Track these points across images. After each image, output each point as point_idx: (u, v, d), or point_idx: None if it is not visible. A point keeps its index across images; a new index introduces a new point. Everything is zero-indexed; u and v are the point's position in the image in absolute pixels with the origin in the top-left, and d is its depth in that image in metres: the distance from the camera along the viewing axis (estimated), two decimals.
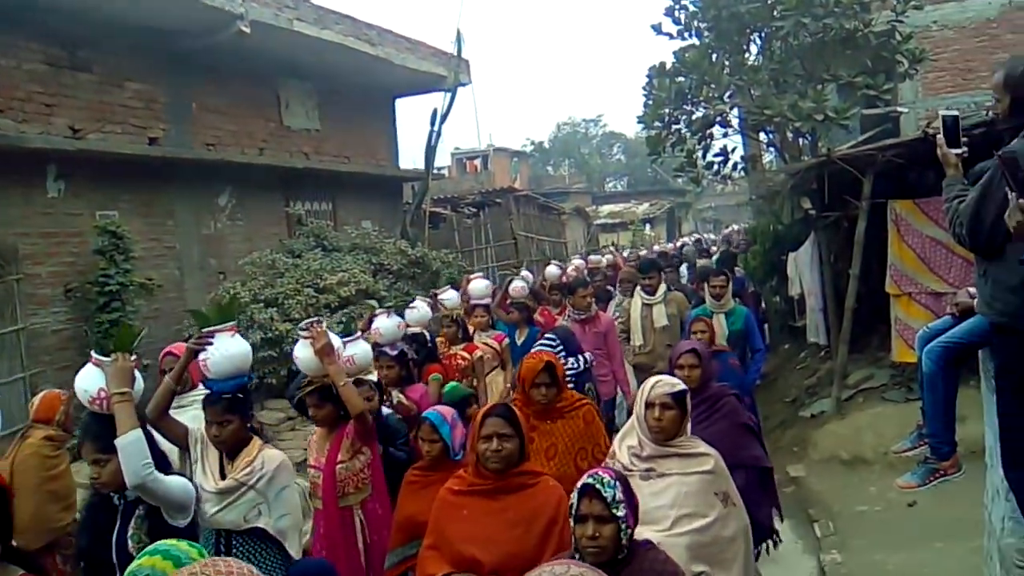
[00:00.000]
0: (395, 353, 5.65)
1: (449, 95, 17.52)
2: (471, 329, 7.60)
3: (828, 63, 10.04)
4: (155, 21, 10.78)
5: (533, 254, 23.16)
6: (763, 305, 12.94)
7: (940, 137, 3.49)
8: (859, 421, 8.08)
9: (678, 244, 25.31)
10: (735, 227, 28.36)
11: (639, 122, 11.15)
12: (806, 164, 9.27)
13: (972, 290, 4.08)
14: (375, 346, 5.67)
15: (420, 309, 7.31)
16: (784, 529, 6.49)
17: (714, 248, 19.26)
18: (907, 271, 8.07)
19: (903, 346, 7.77)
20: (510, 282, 9.32)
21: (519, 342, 7.53)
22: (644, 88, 10.79)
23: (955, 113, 3.52)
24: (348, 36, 13.81)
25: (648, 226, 39.78)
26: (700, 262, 14.02)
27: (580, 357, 6.16)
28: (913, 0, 10.24)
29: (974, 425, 3.99)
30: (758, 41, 10.87)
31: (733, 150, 11.80)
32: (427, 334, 6.88)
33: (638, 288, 7.94)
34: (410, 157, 25.79)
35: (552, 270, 10.81)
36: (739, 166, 12.12)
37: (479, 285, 8.48)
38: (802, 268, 10.70)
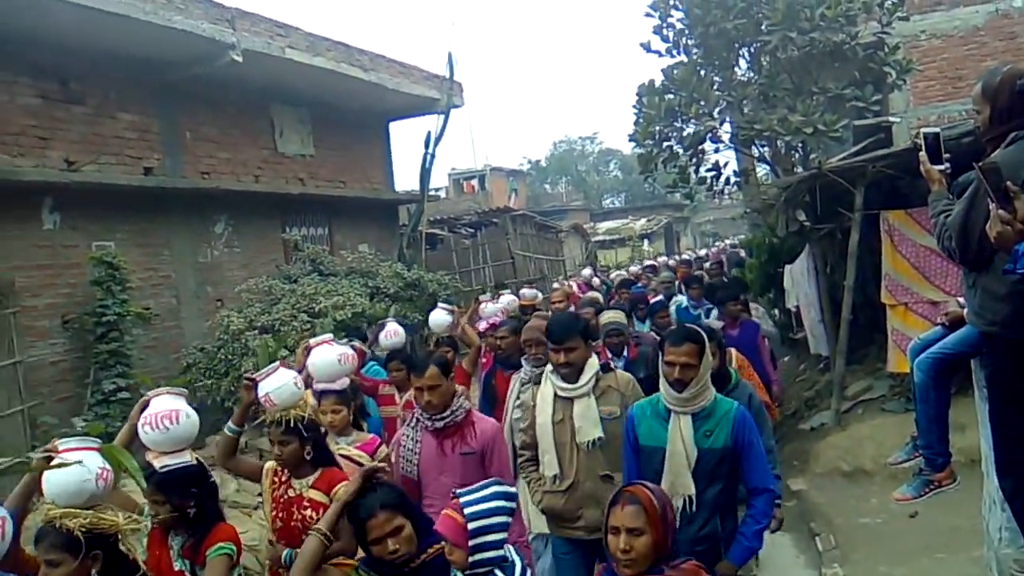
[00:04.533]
0: (339, 390, 4.73)
1: (443, 117, 17.59)
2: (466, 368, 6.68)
3: (816, 76, 10.07)
4: (147, 52, 10.83)
5: (531, 273, 23.18)
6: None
7: (923, 154, 3.51)
8: (859, 433, 8.07)
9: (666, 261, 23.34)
10: (727, 242, 28.28)
11: (630, 140, 11.16)
12: (798, 177, 9.30)
13: (962, 300, 4.09)
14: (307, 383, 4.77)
15: (393, 334, 6.93)
16: (785, 543, 6.52)
17: (701, 268, 16.37)
18: (902, 281, 8.08)
19: (900, 356, 7.76)
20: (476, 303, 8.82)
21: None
22: (634, 106, 10.82)
23: (936, 130, 3.55)
24: (341, 62, 13.87)
25: (647, 241, 39.85)
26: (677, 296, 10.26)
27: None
28: (898, 12, 10.29)
29: (973, 434, 3.98)
30: (746, 56, 10.90)
31: (726, 165, 11.82)
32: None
33: (548, 368, 4.35)
34: (406, 180, 25.86)
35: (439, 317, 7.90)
36: (732, 181, 12.14)
37: (439, 317, 7.78)
38: (798, 280, 10.72)
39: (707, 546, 3.57)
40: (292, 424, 3.74)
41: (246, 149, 13.52)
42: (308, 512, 3.70)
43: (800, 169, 10.39)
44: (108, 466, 2.86)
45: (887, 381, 8.61)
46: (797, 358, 12.31)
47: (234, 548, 3.31)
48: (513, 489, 2.93)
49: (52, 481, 2.81)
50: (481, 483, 2.92)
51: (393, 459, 4.31)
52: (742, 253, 18.45)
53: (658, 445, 3.65)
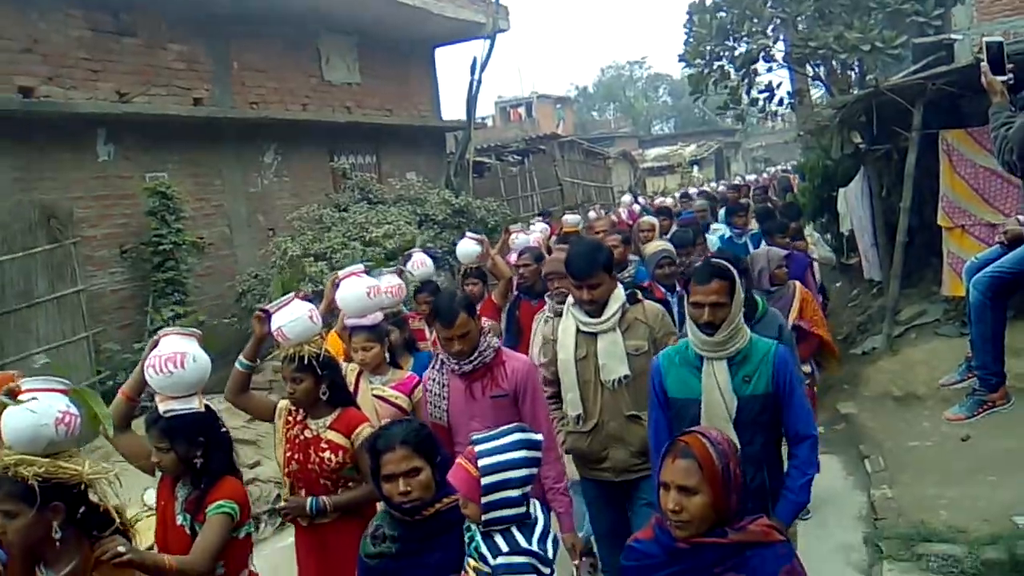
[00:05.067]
0: (370, 325, 4.35)
1: (489, 42, 17.35)
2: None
3: None
4: None
5: (579, 199, 23.06)
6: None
7: (984, 64, 3.39)
8: (911, 357, 7.99)
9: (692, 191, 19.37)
10: (779, 167, 27.17)
11: (680, 60, 10.94)
12: (854, 97, 9.03)
13: (1022, 218, 3.99)
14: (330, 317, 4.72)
15: (422, 265, 6.42)
16: (834, 466, 6.54)
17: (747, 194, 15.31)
18: (960, 203, 7.88)
19: (955, 280, 7.60)
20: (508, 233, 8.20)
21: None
22: (685, 26, 10.56)
23: (999, 39, 3.43)
24: None
25: (696, 168, 39.20)
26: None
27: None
28: None
29: None
30: None
31: (779, 85, 11.54)
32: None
33: (569, 300, 4.05)
34: (452, 108, 25.71)
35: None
36: (785, 101, 11.85)
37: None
38: (852, 204, 10.50)
39: (755, 503, 3.11)
40: (306, 361, 3.54)
41: (293, 78, 13.53)
42: (326, 454, 3.53)
43: (856, 89, 10.10)
44: (73, 410, 2.55)
45: (941, 305, 8.47)
46: (850, 283, 12.14)
47: (236, 507, 3.07)
48: (538, 437, 2.60)
49: (7, 426, 2.51)
50: (501, 429, 2.60)
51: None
52: (792, 178, 17.97)
53: (692, 397, 3.25)
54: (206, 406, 3.28)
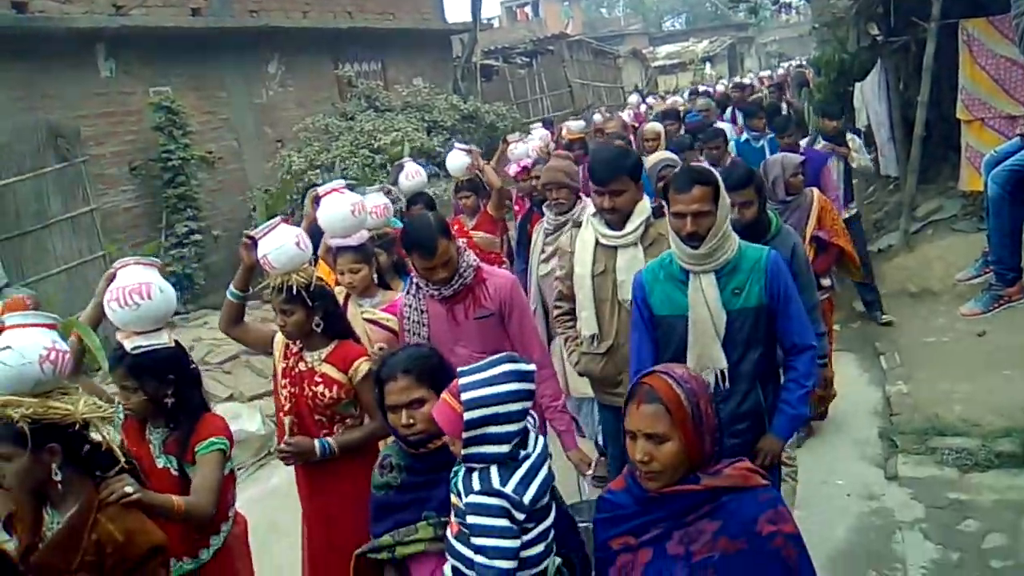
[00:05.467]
0: (355, 245, 4.11)
1: None
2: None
3: None
4: None
5: (589, 100, 22.67)
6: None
7: None
8: (928, 253, 7.94)
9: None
10: (794, 62, 26.25)
11: None
12: None
13: None
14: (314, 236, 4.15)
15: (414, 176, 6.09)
16: (849, 362, 6.60)
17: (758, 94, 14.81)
18: (980, 95, 7.68)
19: (973, 174, 7.47)
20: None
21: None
22: None
23: None
24: None
25: (708, 65, 38.29)
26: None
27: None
28: None
29: None
30: None
31: None
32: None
33: (587, 207, 4.20)
34: (457, 10, 25.04)
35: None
36: None
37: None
38: (869, 98, 10.28)
39: (749, 423, 3.07)
40: (295, 291, 3.28)
41: None
42: (320, 388, 3.34)
43: None
44: (61, 346, 2.39)
45: (959, 200, 8.37)
46: (866, 180, 11.98)
47: (227, 442, 2.94)
48: (530, 367, 2.32)
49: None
50: (488, 360, 2.32)
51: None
52: (808, 73, 17.45)
53: (677, 314, 3.04)
54: (175, 341, 3.07)
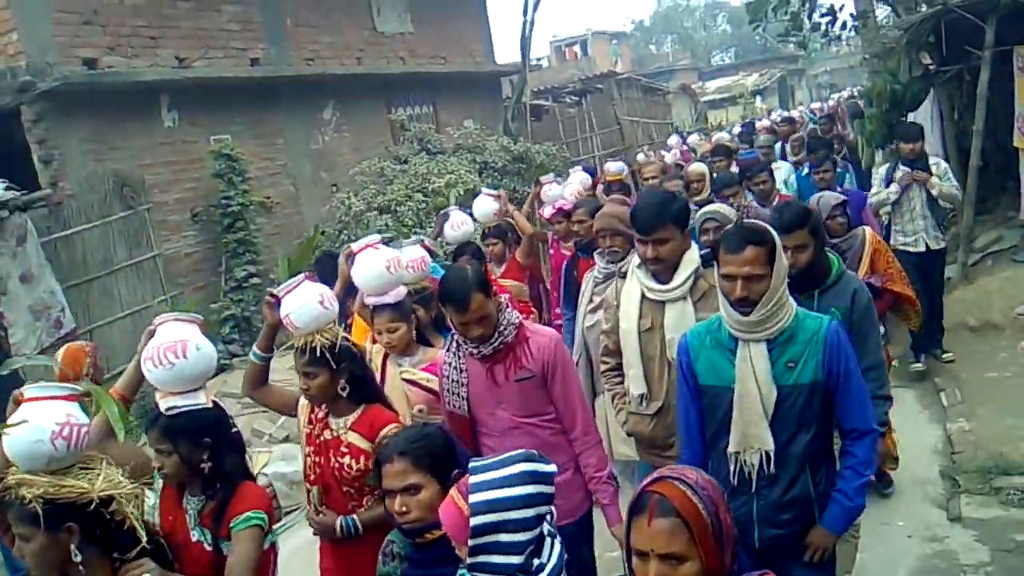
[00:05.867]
0: (393, 303, 3.84)
1: None
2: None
3: None
4: None
5: (640, 139, 22.72)
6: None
7: None
8: (988, 285, 7.77)
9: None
10: (845, 93, 25.61)
11: None
12: (922, 15, 8.68)
13: None
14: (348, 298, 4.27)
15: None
16: (909, 399, 6.45)
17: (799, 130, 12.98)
18: None
19: None
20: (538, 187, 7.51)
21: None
22: None
23: None
24: None
25: (759, 98, 38.15)
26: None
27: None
28: None
29: None
30: None
31: (841, 7, 11.09)
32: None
33: (633, 256, 3.64)
34: (506, 51, 25.33)
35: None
36: (849, 25, 11.40)
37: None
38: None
39: (797, 512, 2.76)
40: (318, 352, 3.07)
41: (347, 31, 13.58)
42: (347, 460, 3.09)
43: (924, 7, 9.65)
44: (77, 419, 2.29)
45: (1019, 231, 8.20)
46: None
47: (265, 518, 2.71)
48: (551, 468, 2.06)
49: (7, 443, 2.26)
50: (505, 457, 2.05)
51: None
52: (860, 104, 17.22)
53: (724, 385, 2.75)
54: (214, 402, 2.91)
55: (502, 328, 3.16)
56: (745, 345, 2.71)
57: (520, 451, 2.08)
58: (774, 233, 2.76)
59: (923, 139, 6.69)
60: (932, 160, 6.71)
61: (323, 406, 3.20)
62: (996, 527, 4.53)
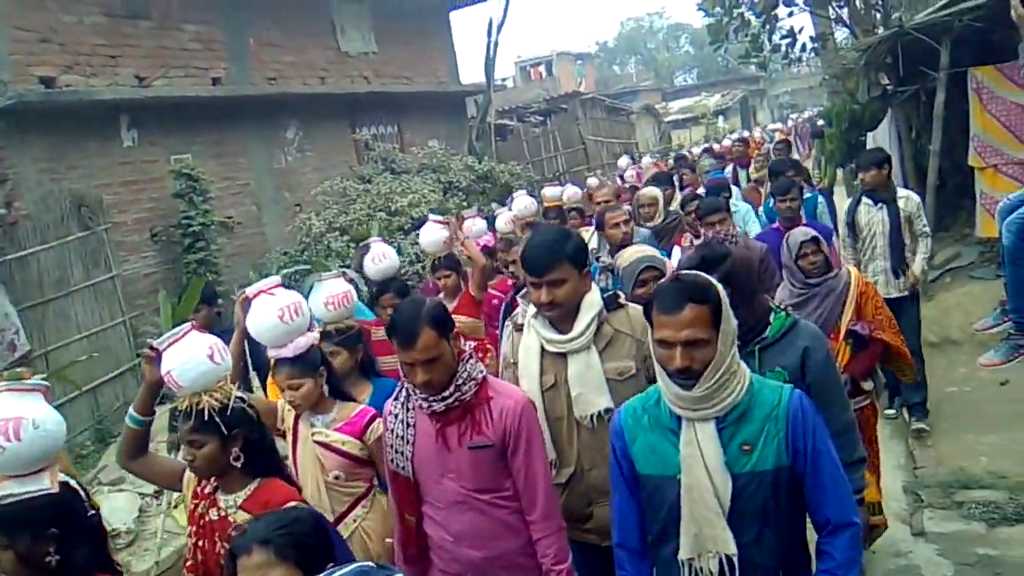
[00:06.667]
0: (292, 356, 3.29)
1: (504, 2, 17.23)
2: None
3: None
4: None
5: (604, 158, 22.88)
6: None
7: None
8: (946, 302, 7.89)
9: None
10: (807, 113, 26.09)
11: (699, 9, 10.75)
12: (879, 37, 8.85)
13: None
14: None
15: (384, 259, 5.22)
16: None
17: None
18: (991, 142, 7.72)
19: (989, 221, 7.46)
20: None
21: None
22: None
23: None
24: None
25: (721, 118, 38.66)
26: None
27: None
28: None
29: None
30: None
31: (800, 30, 11.32)
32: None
33: (527, 309, 3.08)
34: (471, 72, 25.40)
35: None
36: (808, 46, 11.61)
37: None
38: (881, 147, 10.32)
39: None
40: (206, 416, 2.61)
41: (310, 51, 13.51)
42: None
43: (881, 29, 9.85)
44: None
45: (976, 248, 8.35)
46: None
47: None
48: None
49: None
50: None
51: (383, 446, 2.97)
52: (821, 123, 17.44)
53: (668, 474, 2.28)
54: (63, 483, 2.47)
55: (460, 383, 2.67)
56: (690, 425, 2.23)
57: (360, 566, 1.55)
58: (719, 287, 2.26)
59: (888, 166, 5.96)
60: (901, 195, 5.95)
61: (212, 480, 2.74)
62: (958, 541, 4.57)
